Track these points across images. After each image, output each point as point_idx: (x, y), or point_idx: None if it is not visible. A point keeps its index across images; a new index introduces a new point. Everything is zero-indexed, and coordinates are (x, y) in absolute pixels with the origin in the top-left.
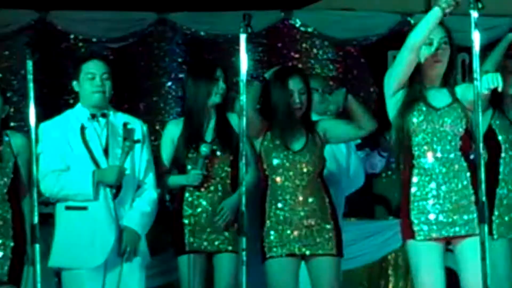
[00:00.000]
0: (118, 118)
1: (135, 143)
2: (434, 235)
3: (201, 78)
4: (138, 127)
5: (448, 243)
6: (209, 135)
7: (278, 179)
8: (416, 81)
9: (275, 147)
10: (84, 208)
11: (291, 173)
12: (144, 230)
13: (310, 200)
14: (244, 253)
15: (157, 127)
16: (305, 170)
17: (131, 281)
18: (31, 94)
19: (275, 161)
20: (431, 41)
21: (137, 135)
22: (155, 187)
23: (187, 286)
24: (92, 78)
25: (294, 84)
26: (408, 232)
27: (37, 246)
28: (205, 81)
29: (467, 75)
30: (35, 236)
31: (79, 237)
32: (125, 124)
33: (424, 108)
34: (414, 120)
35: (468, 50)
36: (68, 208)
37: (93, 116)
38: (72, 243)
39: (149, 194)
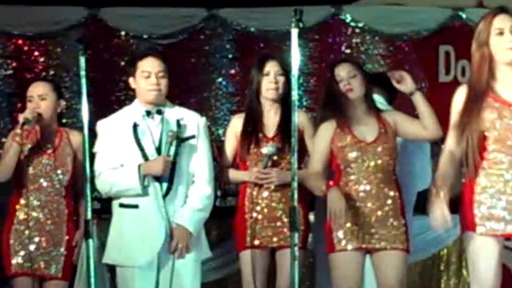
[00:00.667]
0: (174, 114)
1: (189, 139)
2: (496, 230)
3: (252, 72)
4: (194, 121)
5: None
6: (271, 131)
7: (350, 171)
8: (484, 73)
9: (347, 141)
10: (135, 206)
11: (365, 165)
12: (196, 226)
13: (382, 193)
14: (296, 248)
15: (208, 123)
16: (379, 162)
17: (185, 277)
18: (84, 90)
19: (350, 155)
20: (501, 30)
21: (191, 130)
22: (209, 183)
23: (249, 282)
24: (147, 76)
25: (340, 70)
26: (469, 224)
27: (91, 242)
28: (256, 75)
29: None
30: (88, 232)
31: (130, 235)
32: (178, 121)
33: (496, 104)
34: (486, 117)
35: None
36: (121, 205)
37: (148, 113)
38: (123, 241)
39: (202, 190)
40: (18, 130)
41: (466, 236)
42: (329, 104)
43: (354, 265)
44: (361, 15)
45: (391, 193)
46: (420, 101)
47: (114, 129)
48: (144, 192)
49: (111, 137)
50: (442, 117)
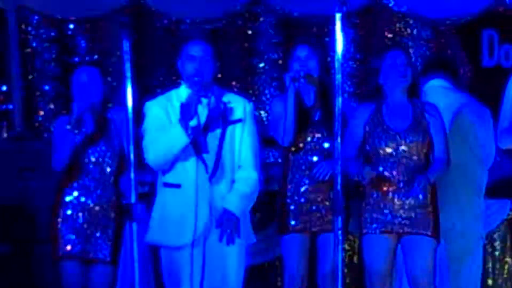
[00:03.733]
0: (221, 97)
1: (235, 123)
2: None
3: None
4: (241, 106)
5: None
6: (316, 114)
7: (380, 159)
8: None
9: (378, 128)
10: (178, 186)
11: (394, 153)
12: (244, 211)
13: (405, 181)
14: (340, 232)
15: None
16: (408, 150)
17: (230, 261)
18: (128, 74)
19: (380, 143)
20: None
21: (238, 114)
22: (256, 168)
23: (290, 266)
24: (192, 60)
25: (397, 57)
26: None
27: (134, 225)
28: (289, 61)
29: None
30: (132, 215)
31: (172, 214)
32: (225, 104)
33: None
34: None
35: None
36: (165, 184)
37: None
38: (165, 220)
39: (249, 174)
40: (72, 120)
41: None
42: (374, 86)
43: (383, 248)
44: (404, 0)
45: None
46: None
47: (161, 109)
48: (187, 171)
49: (158, 116)
50: (484, 102)
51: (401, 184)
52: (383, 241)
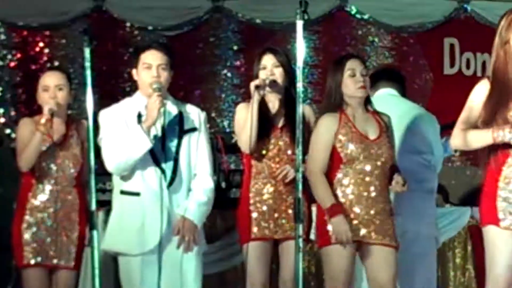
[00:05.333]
0: (176, 107)
1: (191, 132)
2: None
3: (253, 66)
4: (195, 115)
5: None
6: (279, 122)
7: (352, 165)
8: (503, 74)
9: (351, 136)
10: (137, 194)
11: (366, 161)
12: (202, 219)
13: (375, 191)
14: (300, 240)
15: (213, 115)
16: (381, 159)
17: (188, 269)
18: (89, 81)
19: (354, 150)
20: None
21: (193, 124)
22: (211, 176)
23: (252, 274)
24: (148, 68)
25: (356, 65)
26: (491, 218)
27: (95, 232)
28: (255, 69)
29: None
30: (93, 223)
31: (130, 222)
32: (180, 113)
33: None
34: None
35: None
36: (122, 192)
37: None
38: (123, 228)
39: (206, 182)
40: (43, 120)
41: (487, 229)
42: (334, 96)
43: (345, 258)
44: (366, 7)
45: (384, 190)
46: None
47: (117, 118)
48: (147, 179)
49: (115, 126)
50: (446, 109)
51: (374, 194)
52: (345, 251)
